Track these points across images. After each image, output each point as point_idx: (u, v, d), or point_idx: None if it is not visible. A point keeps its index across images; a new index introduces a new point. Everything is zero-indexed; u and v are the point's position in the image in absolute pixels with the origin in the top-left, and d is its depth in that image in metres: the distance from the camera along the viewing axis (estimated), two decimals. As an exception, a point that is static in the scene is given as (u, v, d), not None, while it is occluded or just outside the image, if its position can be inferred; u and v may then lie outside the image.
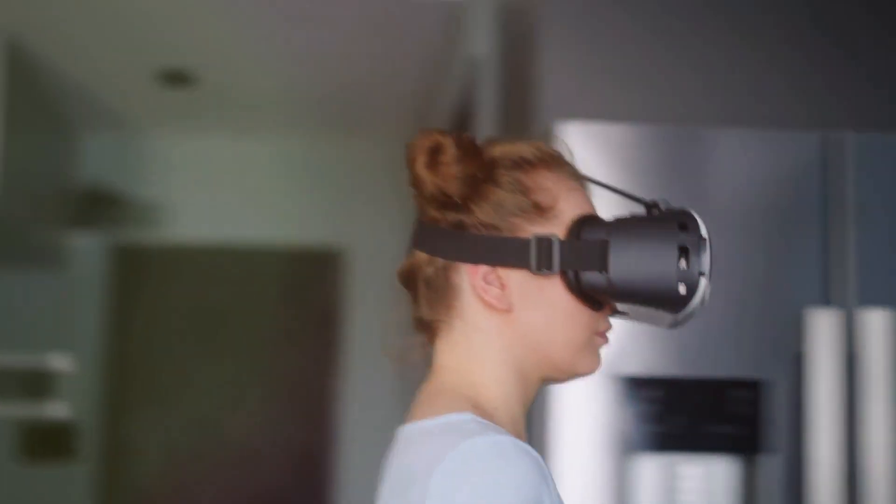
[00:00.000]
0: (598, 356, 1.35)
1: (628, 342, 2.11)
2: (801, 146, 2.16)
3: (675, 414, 2.12)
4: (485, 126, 3.31)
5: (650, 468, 2.15)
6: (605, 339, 1.35)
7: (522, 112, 2.67)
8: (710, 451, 2.14)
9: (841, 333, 2.09)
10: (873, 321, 2.08)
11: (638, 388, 2.11)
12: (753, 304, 2.13)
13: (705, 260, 1.28)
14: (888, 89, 2.51)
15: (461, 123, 3.73)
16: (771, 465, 2.10)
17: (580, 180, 1.36)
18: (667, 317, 1.30)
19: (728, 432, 2.13)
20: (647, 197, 1.36)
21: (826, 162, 2.15)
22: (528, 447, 1.23)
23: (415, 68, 4.22)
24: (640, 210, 1.34)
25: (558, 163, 1.34)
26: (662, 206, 1.34)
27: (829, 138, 2.16)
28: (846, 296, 2.12)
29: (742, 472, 2.15)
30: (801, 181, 2.15)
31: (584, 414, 2.11)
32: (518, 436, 1.29)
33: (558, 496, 1.25)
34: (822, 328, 2.08)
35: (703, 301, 1.29)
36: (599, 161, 2.15)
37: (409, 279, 1.36)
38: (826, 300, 2.12)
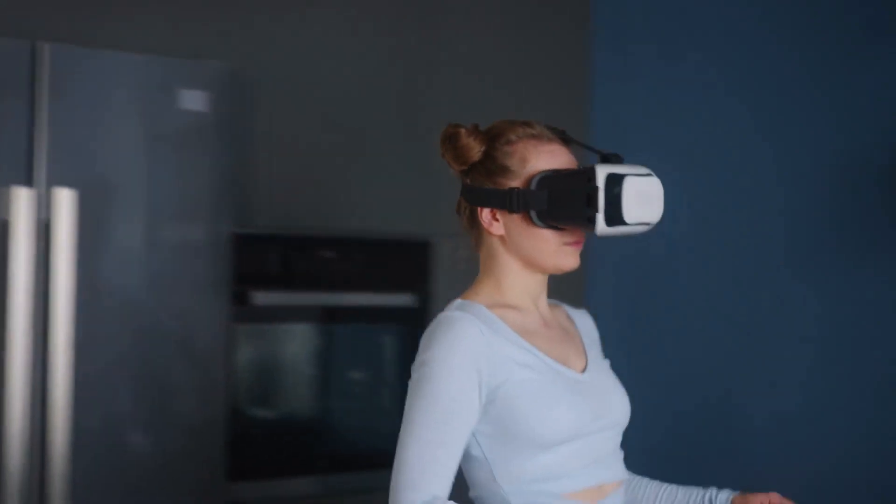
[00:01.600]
0: (573, 256, 1.98)
1: None
2: (13, 52, 2.63)
3: None
4: None
5: None
6: (576, 245, 1.97)
7: None
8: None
9: (36, 207, 2.63)
10: (62, 198, 2.65)
11: None
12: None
13: (600, 201, 1.87)
14: (88, 6, 3.01)
15: None
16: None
17: (557, 143, 1.97)
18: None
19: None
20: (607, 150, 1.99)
21: (33, 67, 2.64)
22: (473, 319, 1.89)
23: None
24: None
25: (536, 136, 1.97)
26: (608, 159, 1.95)
27: (36, 47, 2.65)
28: (41, 177, 2.65)
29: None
30: (13, 81, 2.63)
31: None
32: (536, 303, 2.01)
33: (501, 354, 1.88)
34: (22, 202, 2.61)
35: (612, 222, 1.88)
36: None
37: (458, 213, 2.03)
38: (28, 180, 2.64)
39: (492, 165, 1.96)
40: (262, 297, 3.09)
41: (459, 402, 1.84)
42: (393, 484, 1.86)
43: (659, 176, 1.93)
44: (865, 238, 3.06)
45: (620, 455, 2.03)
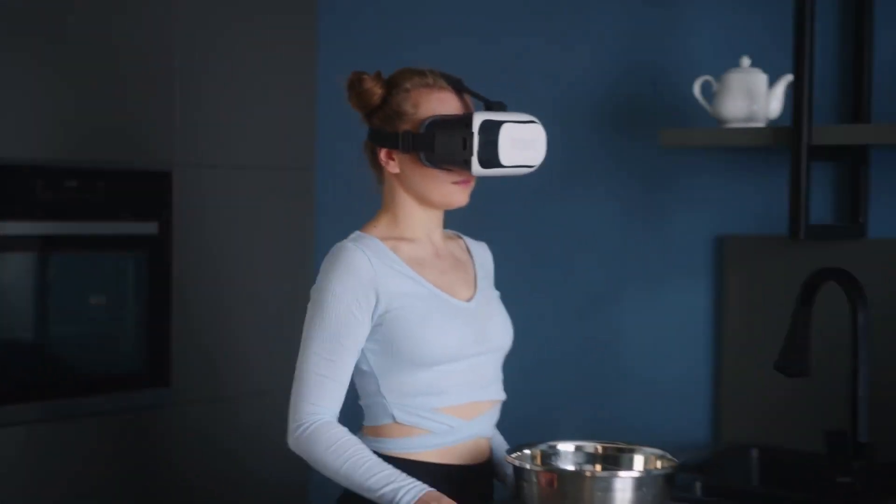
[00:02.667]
0: (461, 193, 2.18)
1: None
2: None
3: None
4: None
5: None
6: (464, 184, 2.17)
7: None
8: None
9: None
10: None
11: None
12: None
13: (475, 145, 2.07)
14: None
15: None
16: None
17: (449, 91, 2.16)
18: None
19: None
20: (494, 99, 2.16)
21: None
22: (364, 251, 2.12)
23: None
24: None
25: (429, 85, 2.16)
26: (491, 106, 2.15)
27: None
28: None
29: None
30: None
31: None
32: (430, 236, 2.22)
33: (389, 282, 2.12)
34: None
35: (488, 164, 2.08)
36: None
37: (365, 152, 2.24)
38: None
39: (389, 110, 2.18)
40: (5, 227, 3.11)
41: (347, 325, 2.11)
42: (292, 395, 2.14)
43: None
44: (583, 166, 3.31)
45: (499, 377, 2.29)
